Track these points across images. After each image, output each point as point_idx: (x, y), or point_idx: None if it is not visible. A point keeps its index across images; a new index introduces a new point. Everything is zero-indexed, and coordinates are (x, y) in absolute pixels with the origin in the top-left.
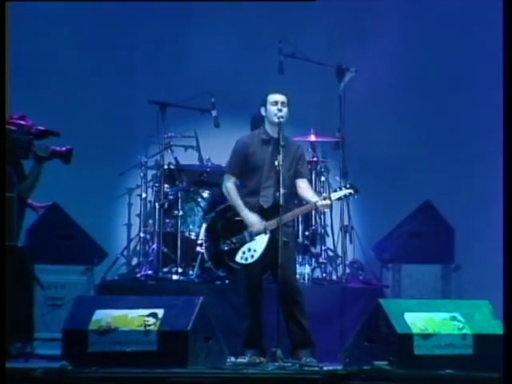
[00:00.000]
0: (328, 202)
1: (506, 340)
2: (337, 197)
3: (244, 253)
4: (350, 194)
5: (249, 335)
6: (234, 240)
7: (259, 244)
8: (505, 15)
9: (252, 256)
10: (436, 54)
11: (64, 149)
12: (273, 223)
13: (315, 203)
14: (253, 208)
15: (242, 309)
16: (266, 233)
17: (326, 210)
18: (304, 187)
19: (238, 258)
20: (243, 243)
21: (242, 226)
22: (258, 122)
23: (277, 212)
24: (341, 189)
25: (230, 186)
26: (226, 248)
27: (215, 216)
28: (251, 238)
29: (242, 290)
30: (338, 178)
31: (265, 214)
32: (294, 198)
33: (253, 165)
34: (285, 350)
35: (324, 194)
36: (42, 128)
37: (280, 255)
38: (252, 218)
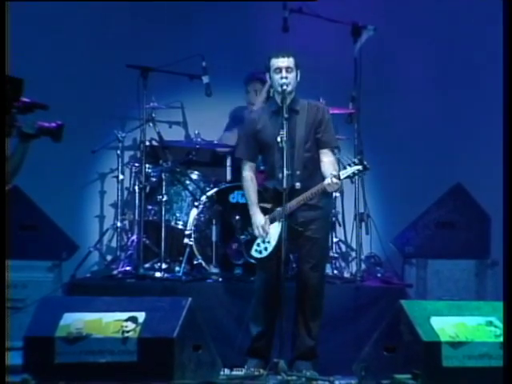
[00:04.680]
0: (336, 180)
1: (506, 339)
2: (345, 175)
3: (258, 245)
4: (359, 170)
5: (257, 344)
6: (251, 230)
7: (274, 234)
8: None
9: (266, 248)
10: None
11: (54, 124)
12: (286, 209)
13: (323, 184)
14: (269, 193)
15: (252, 312)
16: (279, 221)
17: (334, 191)
18: (325, 161)
19: (252, 252)
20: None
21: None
22: (250, 79)
23: (295, 196)
24: (350, 166)
25: (245, 174)
26: (244, 239)
27: (207, 201)
28: None
29: (255, 289)
30: (351, 158)
31: (281, 199)
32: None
33: (264, 143)
34: (289, 360)
35: (333, 172)
36: (27, 100)
37: (284, 248)
38: (256, 219)
